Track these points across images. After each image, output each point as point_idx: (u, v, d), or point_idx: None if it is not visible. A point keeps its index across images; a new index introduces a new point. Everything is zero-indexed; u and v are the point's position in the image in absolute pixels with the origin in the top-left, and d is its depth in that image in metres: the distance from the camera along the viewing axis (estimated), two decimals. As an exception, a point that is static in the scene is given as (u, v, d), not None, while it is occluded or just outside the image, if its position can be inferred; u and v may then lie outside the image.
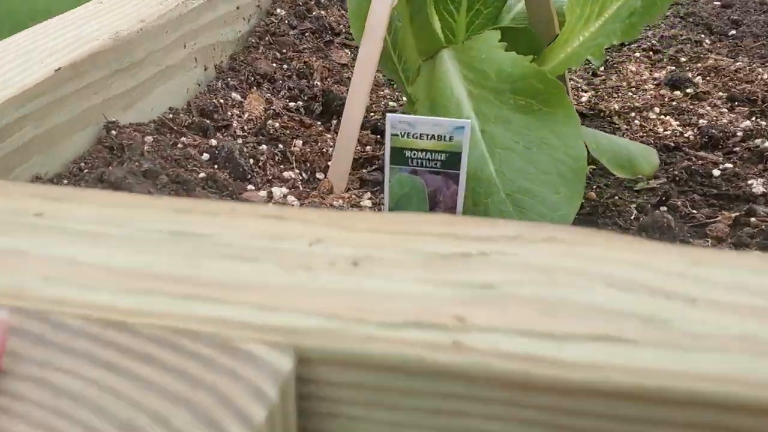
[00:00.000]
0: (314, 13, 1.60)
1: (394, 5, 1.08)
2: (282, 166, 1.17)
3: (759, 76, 1.47)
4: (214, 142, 1.11)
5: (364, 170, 1.19)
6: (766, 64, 1.55)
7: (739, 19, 1.81)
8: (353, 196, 1.08)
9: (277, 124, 1.24)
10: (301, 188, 1.12)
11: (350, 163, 1.12)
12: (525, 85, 0.97)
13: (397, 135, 0.91)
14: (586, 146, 0.98)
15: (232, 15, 1.39)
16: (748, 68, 1.51)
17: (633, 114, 1.36)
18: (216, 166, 1.07)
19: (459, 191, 0.94)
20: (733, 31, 1.75)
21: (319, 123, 1.30)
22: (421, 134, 0.91)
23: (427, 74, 1.09)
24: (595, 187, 1.14)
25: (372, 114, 1.36)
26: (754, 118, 1.33)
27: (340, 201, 1.06)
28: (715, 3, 2.00)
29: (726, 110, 1.36)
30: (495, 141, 0.97)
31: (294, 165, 1.18)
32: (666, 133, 1.30)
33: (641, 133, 1.30)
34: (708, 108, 1.36)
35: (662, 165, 1.20)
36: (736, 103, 1.38)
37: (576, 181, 0.94)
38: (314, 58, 1.46)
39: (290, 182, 1.14)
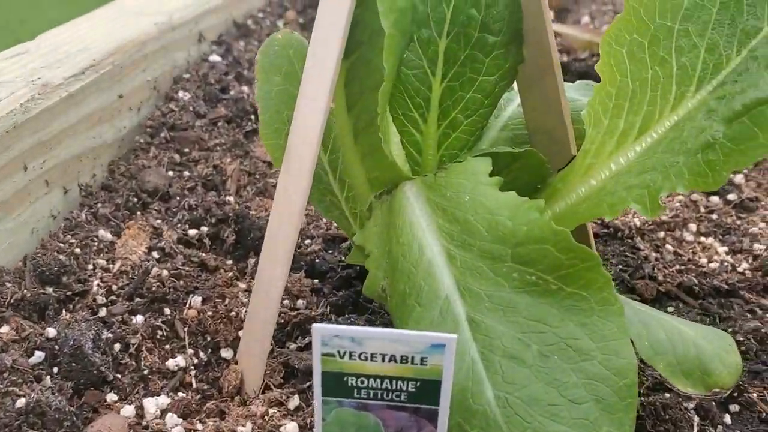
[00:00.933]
0: (232, 92, 1.23)
1: (332, 110, 0.73)
2: (167, 347, 0.80)
3: (814, 172, 1.15)
4: (52, 331, 0.73)
5: (293, 344, 0.82)
6: (815, 151, 1.23)
7: None
8: (272, 412, 0.71)
9: (164, 273, 0.87)
10: (192, 392, 0.75)
11: (269, 340, 0.75)
12: (535, 251, 0.62)
13: (332, 356, 0.55)
14: (633, 345, 0.63)
15: (111, 108, 1.02)
16: (796, 160, 1.19)
17: (662, 234, 1.02)
18: (50, 378, 0.69)
19: None
20: None
21: (229, 262, 0.94)
22: (372, 354, 0.55)
23: (384, 218, 0.73)
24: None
25: (307, 242, 1.00)
26: (824, 240, 1.00)
27: (250, 426, 0.69)
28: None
29: (785, 227, 1.02)
30: (494, 342, 0.62)
31: (186, 342, 0.80)
32: (712, 266, 0.96)
33: (678, 266, 0.96)
34: (762, 225, 1.03)
35: (717, 322, 0.86)
36: (796, 215, 1.05)
37: (624, 411, 0.59)
38: (228, 159, 1.09)
39: (177, 377, 0.76)
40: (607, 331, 0.61)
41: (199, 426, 0.69)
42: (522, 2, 0.69)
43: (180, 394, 0.75)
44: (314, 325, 0.54)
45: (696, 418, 0.72)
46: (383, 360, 0.55)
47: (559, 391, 0.59)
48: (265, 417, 0.70)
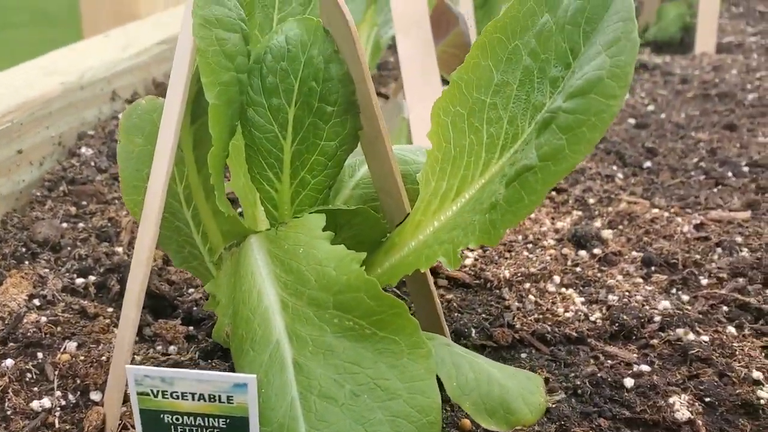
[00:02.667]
0: (136, 148, 1.31)
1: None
2: (35, 389, 0.85)
3: (678, 228, 1.25)
4: None
5: (159, 388, 0.88)
6: (686, 208, 1.33)
7: (654, 147, 1.62)
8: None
9: (42, 319, 0.93)
10: None
11: (123, 384, 0.81)
12: (351, 298, 0.70)
13: (147, 394, 0.61)
14: (440, 383, 0.70)
15: (8, 162, 1.09)
16: (665, 216, 1.29)
17: (528, 285, 1.11)
18: None
19: (254, 465, 0.65)
20: (648, 163, 1.56)
21: (110, 309, 1.00)
22: (182, 393, 0.61)
23: (231, 268, 0.80)
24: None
25: (190, 290, 1.06)
26: (674, 291, 1.09)
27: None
28: (629, 121, 1.82)
29: (641, 279, 1.12)
30: (312, 383, 0.69)
31: (55, 385, 0.86)
32: (567, 315, 1.04)
33: (536, 315, 1.04)
34: (619, 277, 1.12)
35: (562, 367, 0.94)
36: (653, 268, 1.15)
37: (427, 446, 0.66)
38: (125, 212, 1.16)
39: (39, 418, 0.82)
40: (415, 372, 0.69)
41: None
42: (353, 78, 0.78)
43: (39, 434, 0.80)
44: (127, 366, 0.60)
45: (519, 455, 0.79)
46: (194, 399, 0.62)
47: (365, 428, 0.66)
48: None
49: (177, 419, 0.62)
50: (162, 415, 0.62)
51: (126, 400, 0.86)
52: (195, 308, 1.01)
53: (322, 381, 0.69)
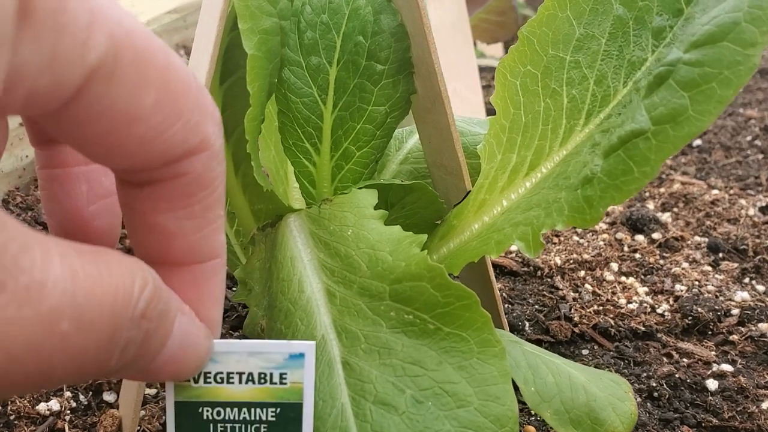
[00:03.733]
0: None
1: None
2: (42, 390, 0.75)
3: (742, 211, 1.14)
4: None
5: (180, 387, 0.78)
6: (747, 189, 1.22)
7: (702, 125, 1.51)
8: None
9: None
10: (59, 437, 0.70)
11: (143, 389, 0.71)
12: (412, 288, 0.59)
13: (185, 380, 0.51)
14: (517, 388, 0.60)
15: (10, 135, 0.98)
16: (727, 198, 1.18)
17: (582, 273, 1.00)
18: None
19: (301, 482, 0.54)
20: (698, 141, 1.44)
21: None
22: (229, 374, 0.51)
23: (266, 253, 0.70)
24: (534, 416, 0.77)
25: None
26: (746, 281, 0.98)
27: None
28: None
29: (709, 267, 1.01)
30: (366, 387, 0.58)
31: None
32: (631, 306, 0.93)
33: (595, 306, 0.93)
34: (685, 265, 1.01)
35: (631, 366, 0.84)
36: (721, 255, 1.04)
37: (502, 462, 0.56)
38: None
39: (48, 422, 0.71)
40: (487, 375, 0.58)
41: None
42: (408, 31, 0.67)
43: (46, 444, 0.70)
44: None
45: (595, 468, 0.69)
46: (241, 380, 0.52)
47: (431, 440, 0.56)
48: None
49: (218, 414, 0.52)
50: (201, 409, 0.52)
51: (145, 402, 0.76)
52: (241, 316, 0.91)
53: (377, 384, 0.58)
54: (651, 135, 0.51)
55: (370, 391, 0.58)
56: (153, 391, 0.79)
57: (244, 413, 0.53)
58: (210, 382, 0.51)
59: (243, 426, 0.53)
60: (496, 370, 0.58)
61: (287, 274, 0.66)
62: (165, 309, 0.41)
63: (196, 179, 0.41)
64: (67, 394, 0.75)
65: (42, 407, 0.73)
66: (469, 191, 0.71)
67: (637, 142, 0.53)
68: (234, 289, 0.94)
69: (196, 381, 0.51)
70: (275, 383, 0.52)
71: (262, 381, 0.52)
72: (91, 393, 0.77)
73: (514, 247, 1.07)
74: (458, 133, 0.69)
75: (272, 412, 0.53)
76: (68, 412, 0.74)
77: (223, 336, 0.86)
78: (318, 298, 0.64)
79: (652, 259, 1.03)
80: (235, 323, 0.87)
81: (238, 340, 0.51)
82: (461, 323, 0.59)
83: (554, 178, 0.62)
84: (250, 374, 0.52)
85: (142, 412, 0.74)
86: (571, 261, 1.03)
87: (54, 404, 0.74)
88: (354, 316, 0.62)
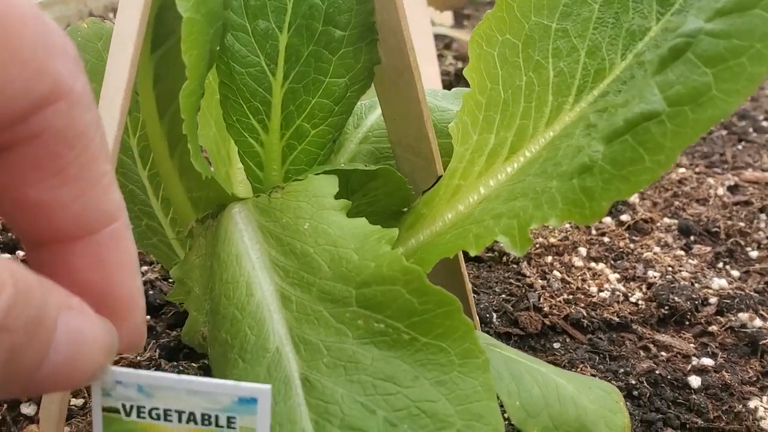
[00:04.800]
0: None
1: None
2: (-58, 409, 0.64)
3: (711, 191, 1.09)
4: None
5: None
6: (713, 168, 1.18)
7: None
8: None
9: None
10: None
11: (66, 401, 0.62)
12: (383, 293, 0.51)
13: (116, 411, 0.42)
14: (501, 404, 0.53)
15: None
16: (694, 177, 1.13)
17: (549, 258, 0.94)
18: None
19: None
20: (658, 116, 1.40)
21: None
22: (166, 411, 0.42)
23: (207, 248, 0.61)
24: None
25: (143, 269, 0.86)
26: (721, 265, 0.94)
27: None
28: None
29: (681, 252, 0.96)
30: (330, 409, 0.50)
31: (-30, 401, 0.65)
32: (603, 295, 0.88)
33: (566, 294, 0.87)
34: (657, 249, 0.96)
35: (607, 361, 0.78)
36: (692, 238, 0.99)
37: (488, 492, 0.49)
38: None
39: (-50, 448, 0.61)
40: (470, 391, 0.51)
41: None
42: (373, -10, 0.58)
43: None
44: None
45: (579, 482, 0.63)
46: (180, 420, 0.43)
47: (407, 472, 0.48)
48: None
49: None
50: None
51: (71, 415, 0.66)
52: (151, 292, 0.81)
53: (344, 406, 0.50)
54: (666, 118, 0.44)
55: (335, 413, 0.50)
56: (80, 401, 0.70)
57: (185, 449, 0.44)
58: (144, 417, 0.42)
59: (184, 462, 0.44)
60: (480, 384, 0.51)
61: (232, 274, 0.57)
62: (38, 314, 0.33)
63: (59, 136, 0.33)
64: (-24, 411, 0.65)
65: (-55, 430, 0.62)
66: (441, 176, 0.63)
67: (648, 126, 0.45)
68: (169, 280, 0.84)
69: (128, 414, 0.42)
70: (221, 426, 0.43)
71: (206, 422, 0.43)
72: (6, 406, 0.67)
73: (476, 231, 1.00)
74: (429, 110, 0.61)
75: (219, 454, 0.44)
76: (-23, 433, 0.64)
77: (158, 333, 0.77)
78: (270, 302, 0.55)
79: (621, 243, 0.97)
80: (172, 321, 0.77)
81: (174, 375, 0.42)
82: (440, 332, 0.51)
83: (541, 163, 0.55)
84: (192, 414, 0.43)
85: (67, 429, 0.65)
86: (538, 245, 0.96)
87: (-41, 425, 0.63)
88: (314, 324, 0.53)
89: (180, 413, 0.42)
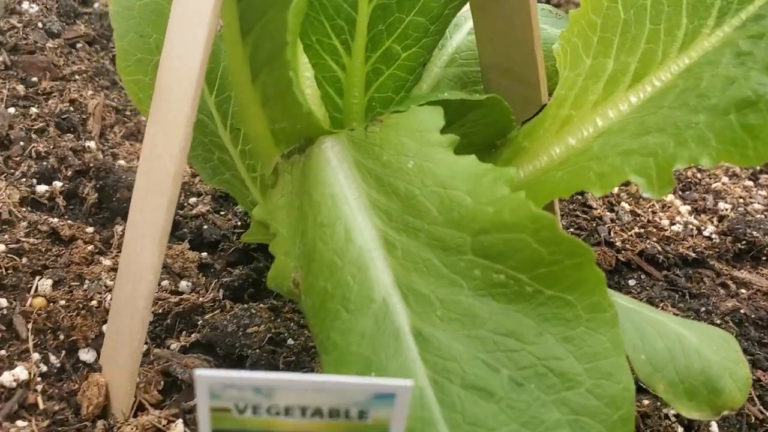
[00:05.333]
0: (96, 4, 0.99)
1: (219, 33, 0.54)
2: (2, 354, 0.60)
3: None
4: None
5: (176, 343, 0.64)
6: None
7: None
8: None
9: (0, 248, 0.66)
10: (37, 417, 0.56)
11: (140, 341, 0.57)
12: (506, 241, 0.46)
13: (227, 410, 0.38)
14: (629, 361, 0.49)
15: None
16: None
17: (616, 189, 0.89)
18: None
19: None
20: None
21: (90, 230, 0.73)
22: (287, 408, 0.38)
23: (295, 187, 0.55)
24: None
25: (192, 201, 0.80)
26: (792, 197, 0.89)
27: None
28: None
29: (750, 182, 0.91)
30: (448, 366, 0.46)
31: (30, 344, 0.61)
32: (675, 228, 0.83)
33: (637, 228, 0.83)
34: (725, 179, 0.91)
35: (687, 299, 0.74)
36: (758, 167, 0.94)
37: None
38: (90, 92, 0.86)
39: (16, 397, 0.57)
40: (598, 347, 0.47)
41: (43, 475, 0.51)
42: None
43: (20, 423, 0.56)
44: (197, 373, 0.36)
45: (680, 430, 0.60)
46: (303, 415, 0.38)
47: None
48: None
49: None
50: None
51: (143, 362, 0.62)
52: (205, 226, 0.76)
53: (464, 363, 0.46)
54: None
55: (455, 371, 0.46)
56: (143, 347, 0.65)
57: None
58: (260, 414, 0.38)
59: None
60: (608, 340, 0.47)
61: (328, 216, 0.51)
62: None
63: None
64: (35, 356, 0.61)
65: (6, 378, 0.58)
66: (545, 105, 0.57)
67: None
68: (222, 213, 0.79)
69: (241, 412, 0.38)
70: (352, 419, 0.39)
71: (335, 416, 0.39)
72: (63, 352, 0.62)
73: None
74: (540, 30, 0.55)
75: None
76: (38, 378, 0.59)
77: (217, 271, 0.72)
78: (372, 248, 0.50)
79: (689, 173, 0.92)
80: (233, 258, 0.72)
81: (298, 375, 0.36)
82: (568, 285, 0.46)
83: (678, 94, 0.49)
84: (318, 409, 0.38)
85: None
86: (601, 174, 0.91)
87: (20, 371, 0.59)
88: (423, 273, 0.49)
89: (304, 409, 0.38)
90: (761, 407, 0.63)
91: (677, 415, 0.61)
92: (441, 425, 0.45)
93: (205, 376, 0.36)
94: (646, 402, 0.61)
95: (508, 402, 0.45)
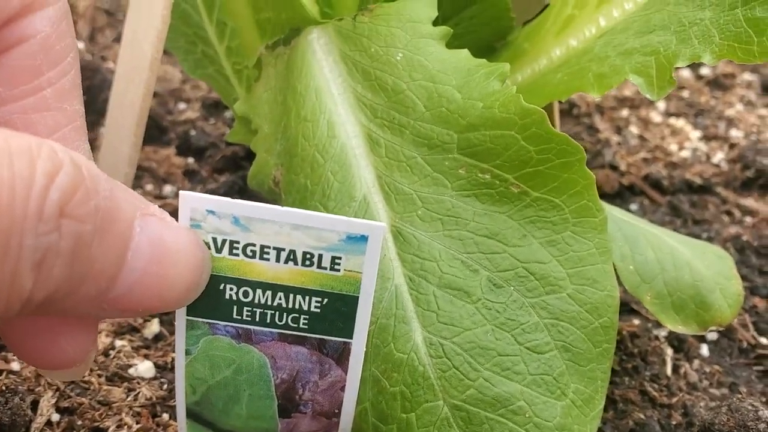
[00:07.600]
0: None
1: None
2: None
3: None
4: None
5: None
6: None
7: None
8: (120, 345, 0.53)
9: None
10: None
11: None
12: (493, 138, 0.45)
13: (205, 245, 0.38)
14: (616, 270, 0.48)
15: None
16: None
17: (625, 112, 0.87)
18: None
19: (348, 385, 0.43)
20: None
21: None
22: (263, 249, 0.38)
23: (279, 81, 0.54)
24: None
25: (181, 106, 0.79)
26: (809, 127, 0.87)
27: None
28: None
29: (765, 111, 0.89)
30: (426, 266, 0.46)
31: None
32: (683, 154, 0.82)
33: (643, 153, 0.81)
34: (739, 106, 0.89)
35: (689, 224, 0.73)
36: (777, 96, 0.92)
37: (597, 361, 0.45)
38: (81, -10, 0.85)
39: None
40: (584, 253, 0.46)
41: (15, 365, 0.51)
42: None
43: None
44: (182, 193, 0.36)
45: (669, 351, 0.59)
46: (278, 259, 0.38)
47: (514, 336, 0.44)
48: (110, 354, 0.52)
49: (246, 294, 0.39)
50: (223, 286, 0.38)
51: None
52: (193, 132, 0.75)
53: (442, 263, 0.46)
54: None
55: (432, 270, 0.45)
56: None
57: (280, 298, 0.39)
58: (237, 255, 0.38)
59: (276, 313, 0.40)
60: (595, 246, 0.46)
61: (311, 111, 0.50)
62: (109, 207, 0.30)
63: (44, 47, 0.32)
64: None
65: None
66: (547, 4, 0.55)
67: None
68: (211, 121, 0.78)
69: (219, 251, 0.38)
70: (324, 268, 0.38)
71: (307, 263, 0.38)
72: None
73: (541, 79, 0.93)
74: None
75: (317, 302, 0.40)
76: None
77: (203, 178, 0.71)
78: (356, 145, 0.49)
79: (702, 99, 0.90)
80: (219, 165, 0.71)
81: (277, 207, 0.37)
82: (555, 186, 0.45)
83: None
84: (292, 252, 0.38)
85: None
86: (611, 97, 0.89)
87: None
88: (406, 171, 0.48)
89: (279, 251, 0.38)
90: (755, 333, 0.62)
91: (667, 336, 0.60)
92: (414, 322, 0.44)
93: (188, 196, 0.36)
94: (636, 322, 0.61)
95: (484, 303, 0.44)
